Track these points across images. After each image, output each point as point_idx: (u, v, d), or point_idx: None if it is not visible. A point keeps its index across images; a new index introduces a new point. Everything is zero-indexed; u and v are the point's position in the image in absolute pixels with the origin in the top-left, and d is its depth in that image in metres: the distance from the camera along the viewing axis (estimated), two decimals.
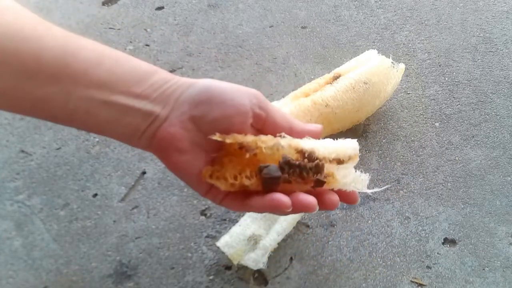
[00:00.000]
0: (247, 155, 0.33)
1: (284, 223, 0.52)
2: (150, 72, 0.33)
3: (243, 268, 0.52)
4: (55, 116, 0.31)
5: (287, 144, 0.34)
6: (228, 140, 0.33)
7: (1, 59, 0.27)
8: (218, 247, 0.52)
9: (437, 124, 0.65)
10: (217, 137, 0.33)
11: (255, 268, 0.50)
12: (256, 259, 0.50)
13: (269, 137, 0.35)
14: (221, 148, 0.35)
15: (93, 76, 0.30)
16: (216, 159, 0.35)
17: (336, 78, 0.59)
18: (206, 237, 0.55)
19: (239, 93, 0.34)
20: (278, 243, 0.52)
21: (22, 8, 0.30)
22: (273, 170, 0.33)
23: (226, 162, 0.35)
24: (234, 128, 0.33)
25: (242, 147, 0.33)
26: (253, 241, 0.50)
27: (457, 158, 0.62)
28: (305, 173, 0.34)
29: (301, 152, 0.34)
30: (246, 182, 0.34)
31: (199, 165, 0.34)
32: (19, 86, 0.28)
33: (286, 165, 0.33)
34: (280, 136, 0.35)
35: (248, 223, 0.52)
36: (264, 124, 0.35)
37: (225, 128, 0.33)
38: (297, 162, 0.33)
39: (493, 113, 0.66)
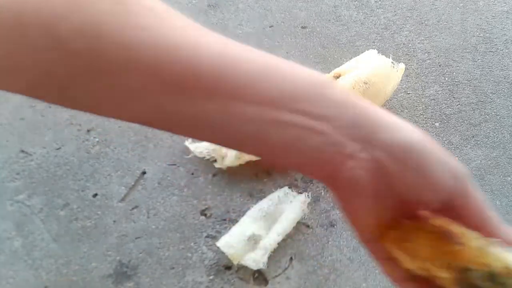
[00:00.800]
0: (455, 247, 0.27)
1: (285, 223, 0.52)
2: (325, 86, 0.26)
3: (243, 268, 0.52)
4: (215, 137, 0.26)
5: (496, 254, 0.27)
6: (452, 229, 0.27)
7: (147, 72, 0.22)
8: (218, 247, 0.52)
9: (437, 124, 0.65)
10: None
11: (255, 268, 0.50)
12: (256, 259, 0.50)
13: (475, 234, 0.28)
14: (411, 217, 0.29)
15: (260, 90, 0.25)
16: (398, 225, 0.29)
17: (336, 78, 0.60)
18: (206, 237, 0.55)
19: (444, 170, 0.27)
20: (278, 243, 0.52)
21: (167, 8, 0.24)
22: (480, 278, 0.27)
23: (413, 237, 0.28)
24: (419, 205, 0.28)
25: (450, 235, 0.27)
26: (253, 241, 0.50)
27: (457, 158, 0.62)
28: None
29: (509, 270, 0.27)
30: (440, 273, 0.27)
31: (376, 216, 0.29)
32: (169, 102, 0.23)
33: (490, 280, 0.27)
34: (488, 239, 0.28)
35: (248, 223, 0.52)
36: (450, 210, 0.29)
37: (408, 200, 0.28)
38: (504, 281, 0.26)
39: (493, 113, 0.66)
